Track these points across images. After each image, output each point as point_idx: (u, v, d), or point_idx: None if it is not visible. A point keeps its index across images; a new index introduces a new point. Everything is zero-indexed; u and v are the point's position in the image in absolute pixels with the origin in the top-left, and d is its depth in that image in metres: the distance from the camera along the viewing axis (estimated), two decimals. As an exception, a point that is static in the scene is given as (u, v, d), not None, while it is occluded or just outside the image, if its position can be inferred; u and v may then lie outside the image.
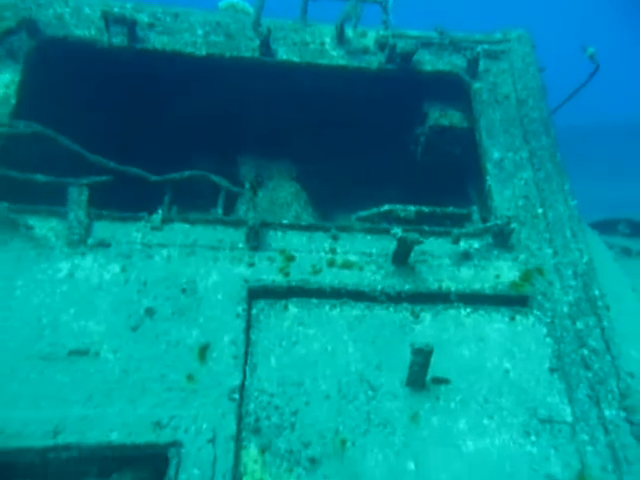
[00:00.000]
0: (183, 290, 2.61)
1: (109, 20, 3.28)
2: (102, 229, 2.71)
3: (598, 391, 2.47)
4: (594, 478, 2.23)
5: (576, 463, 2.28)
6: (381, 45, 3.90)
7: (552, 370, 2.52)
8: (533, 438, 2.32)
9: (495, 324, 2.65)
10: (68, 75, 3.36)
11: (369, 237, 3.00)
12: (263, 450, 2.24)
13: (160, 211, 2.87)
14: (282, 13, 4.13)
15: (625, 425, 2.40)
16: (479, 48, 3.79)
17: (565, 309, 2.76)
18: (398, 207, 3.54)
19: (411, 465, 2.23)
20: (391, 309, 2.67)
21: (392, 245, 2.89)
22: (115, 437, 2.12)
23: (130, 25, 3.33)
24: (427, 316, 2.66)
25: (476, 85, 3.82)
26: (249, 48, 3.72)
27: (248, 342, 2.51)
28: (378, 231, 3.04)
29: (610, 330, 2.67)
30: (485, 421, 2.36)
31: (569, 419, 2.38)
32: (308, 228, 2.97)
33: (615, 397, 2.46)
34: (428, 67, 3.90)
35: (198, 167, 4.49)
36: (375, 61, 3.87)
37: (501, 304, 2.74)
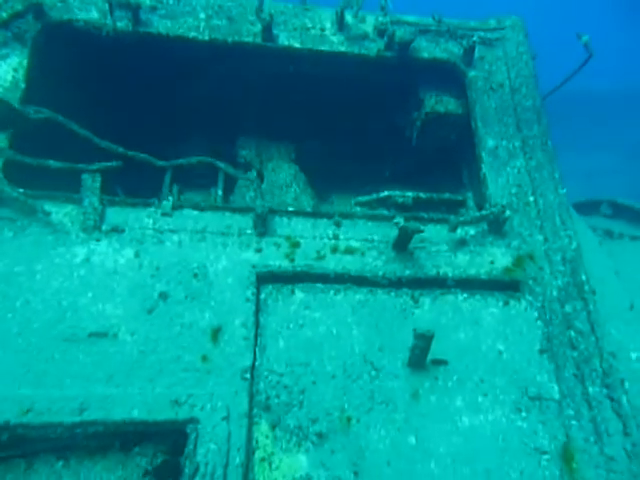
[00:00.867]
0: (194, 275, 2.72)
1: (113, 4, 3.29)
2: (115, 215, 2.79)
3: (583, 370, 2.68)
4: (578, 449, 2.46)
5: (562, 436, 2.50)
6: (380, 32, 3.96)
7: (542, 351, 2.72)
8: (524, 414, 2.53)
9: (490, 309, 2.83)
10: (73, 58, 3.39)
11: (370, 224, 3.13)
12: (273, 426, 2.41)
13: (170, 198, 2.95)
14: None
15: (607, 401, 2.62)
16: (475, 37, 3.88)
17: (554, 293, 2.95)
18: (396, 193, 3.67)
19: (412, 440, 2.42)
20: (392, 294, 2.83)
21: (392, 232, 3.03)
22: (137, 414, 2.26)
23: (134, 9, 3.35)
24: (426, 301, 2.82)
25: (471, 73, 3.91)
26: (251, 33, 3.76)
27: (257, 325, 2.65)
28: (379, 218, 3.17)
29: (595, 313, 2.87)
30: (480, 399, 2.56)
31: (556, 396, 2.59)
32: (312, 215, 3.09)
33: (599, 375, 2.67)
34: (425, 54, 3.98)
35: (198, 147, 4.60)
36: (374, 48, 3.94)
37: (495, 289, 2.91)
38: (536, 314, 2.84)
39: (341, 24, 3.94)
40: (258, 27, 3.78)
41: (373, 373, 2.58)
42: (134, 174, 3.40)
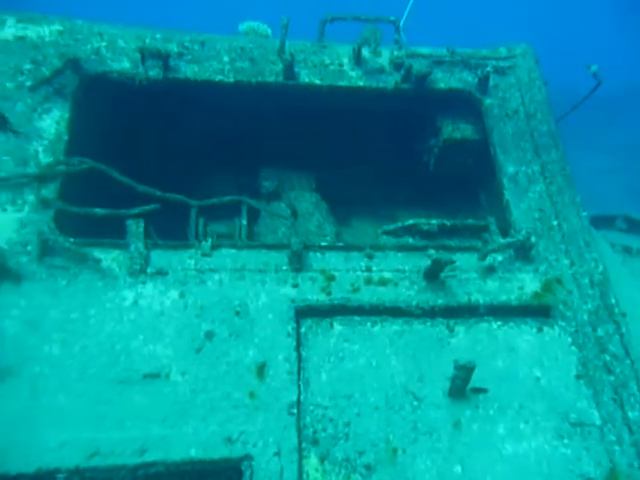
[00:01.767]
0: (237, 312, 2.83)
1: (145, 55, 3.46)
2: (158, 258, 2.91)
3: (621, 394, 2.75)
4: (623, 474, 2.52)
5: (606, 462, 2.56)
6: (396, 65, 4.11)
7: (579, 377, 2.80)
8: (566, 440, 2.60)
9: (524, 335, 2.92)
10: (108, 106, 3.54)
11: (400, 254, 3.23)
12: (322, 459, 2.49)
13: (209, 239, 3.08)
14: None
15: None
16: (489, 66, 4.02)
17: (585, 317, 3.03)
18: (422, 221, 3.78)
19: (458, 469, 2.49)
20: (428, 323, 2.92)
21: (422, 261, 3.13)
22: (194, 453, 2.35)
23: (164, 58, 3.52)
24: (461, 329, 2.91)
25: (487, 101, 4.04)
26: (272, 72, 3.93)
27: (299, 359, 2.75)
28: (408, 248, 3.28)
29: (627, 335, 2.95)
30: (521, 426, 2.63)
31: (598, 422, 2.66)
32: (345, 248, 3.20)
33: (637, 399, 2.74)
34: (441, 85, 4.13)
35: (222, 181, 4.75)
36: (391, 81, 4.09)
37: (526, 314, 3.00)
38: (570, 339, 2.93)
39: (358, 59, 4.10)
40: (279, 66, 3.94)
41: (415, 403, 2.66)
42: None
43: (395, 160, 4.99)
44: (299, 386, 2.66)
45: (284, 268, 3.04)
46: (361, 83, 4.06)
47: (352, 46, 4.11)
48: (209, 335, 2.73)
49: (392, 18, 4.18)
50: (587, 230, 3.48)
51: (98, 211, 2.96)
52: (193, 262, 2.95)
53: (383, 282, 3.10)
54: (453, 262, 2.95)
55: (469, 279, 3.14)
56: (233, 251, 3.06)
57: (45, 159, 3.04)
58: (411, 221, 3.78)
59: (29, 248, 2.76)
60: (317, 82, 3.98)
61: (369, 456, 2.50)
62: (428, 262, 3.09)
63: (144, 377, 2.53)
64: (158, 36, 3.78)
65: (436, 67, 4.11)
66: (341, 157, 4.84)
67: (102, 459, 2.26)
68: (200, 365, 2.63)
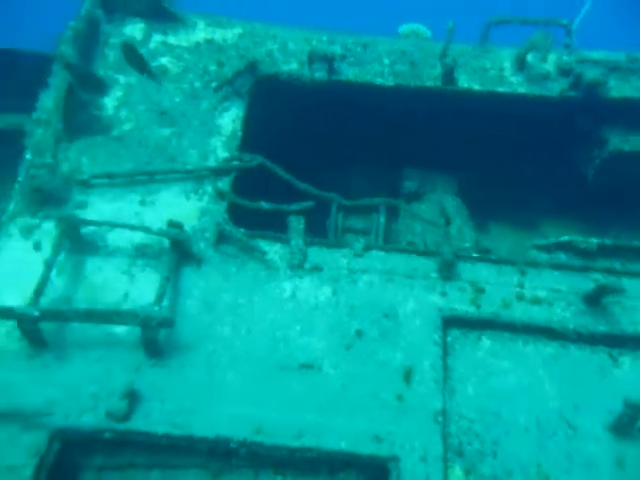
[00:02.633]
0: (385, 315, 2.89)
1: (313, 58, 3.63)
2: (315, 255, 3.06)
3: None
4: None
5: None
6: (564, 71, 3.90)
7: None
8: None
9: None
10: (275, 105, 3.77)
11: (556, 273, 3.09)
12: (467, 472, 2.47)
13: (362, 240, 3.17)
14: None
15: None
16: None
17: None
18: (578, 239, 3.56)
19: None
20: (587, 350, 2.77)
21: (581, 282, 2.97)
22: (344, 445, 2.46)
23: (330, 60, 3.66)
24: (626, 360, 2.72)
25: None
26: (431, 77, 3.92)
27: (445, 368, 2.75)
28: (565, 267, 3.12)
29: None
30: None
31: None
32: (497, 262, 3.12)
33: None
34: (614, 93, 3.84)
35: (360, 173, 4.85)
36: (557, 88, 3.89)
37: None
38: None
39: (522, 64, 3.94)
40: (438, 70, 3.91)
41: (570, 432, 2.54)
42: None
43: (540, 164, 4.76)
44: (444, 395, 2.66)
45: (433, 275, 3.04)
46: (522, 90, 3.91)
47: (517, 50, 3.96)
48: (359, 334, 2.82)
49: (564, 22, 3.96)
50: None
51: (264, 205, 3.18)
52: (346, 261, 3.05)
53: (537, 300, 2.98)
54: (622, 290, 2.75)
55: (636, 307, 2.92)
56: (382, 253, 3.12)
57: (222, 154, 3.33)
58: (566, 237, 3.57)
59: (207, 235, 3.04)
60: (476, 88, 3.90)
61: (517, 478, 2.44)
62: (588, 284, 2.92)
63: (300, 366, 2.69)
64: (324, 38, 3.94)
65: (610, 74, 3.84)
66: (482, 159, 4.70)
67: (266, 437, 2.45)
68: (350, 361, 2.73)
